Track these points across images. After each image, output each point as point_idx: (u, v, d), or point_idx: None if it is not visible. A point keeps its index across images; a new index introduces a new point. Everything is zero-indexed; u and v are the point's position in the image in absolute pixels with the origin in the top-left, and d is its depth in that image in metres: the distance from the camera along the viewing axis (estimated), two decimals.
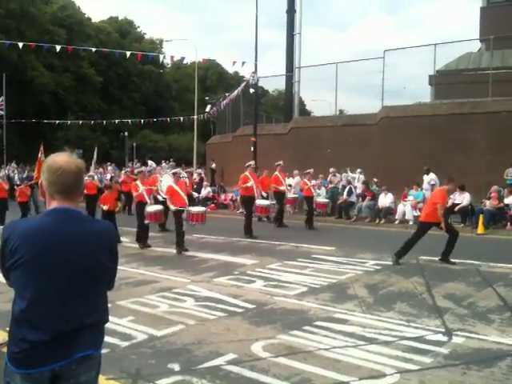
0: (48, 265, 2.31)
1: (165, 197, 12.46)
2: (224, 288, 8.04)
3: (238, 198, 18.15)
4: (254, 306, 6.93)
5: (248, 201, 14.29)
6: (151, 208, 12.31)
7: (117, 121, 36.05)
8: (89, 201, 16.25)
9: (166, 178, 14.29)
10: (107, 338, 4.85)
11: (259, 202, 14.39)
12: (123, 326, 6.04)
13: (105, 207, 12.76)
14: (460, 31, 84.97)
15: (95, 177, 22.28)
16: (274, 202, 15.42)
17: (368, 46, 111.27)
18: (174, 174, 12.25)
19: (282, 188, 15.36)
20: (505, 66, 23.19)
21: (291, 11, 27.22)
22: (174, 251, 11.42)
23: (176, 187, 11.57)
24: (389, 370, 4.71)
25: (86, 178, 18.39)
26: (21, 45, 22.44)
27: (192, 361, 4.98)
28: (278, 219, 15.85)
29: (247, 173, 14.30)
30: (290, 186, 17.99)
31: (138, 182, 12.60)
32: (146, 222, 12.20)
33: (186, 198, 11.67)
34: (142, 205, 12.34)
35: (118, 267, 2.68)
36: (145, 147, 50.88)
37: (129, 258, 10.42)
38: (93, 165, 23.78)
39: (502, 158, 16.59)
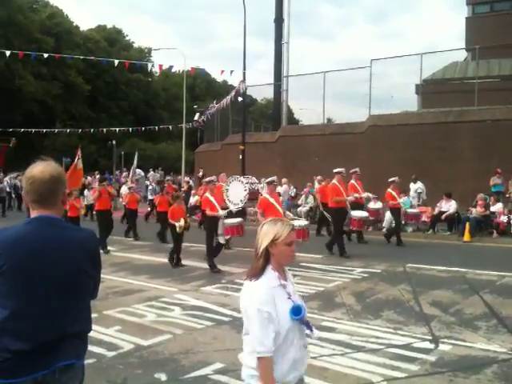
0: (29, 274, 2.30)
1: (237, 206, 11.64)
2: (212, 297, 8.02)
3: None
4: (241, 315, 6.88)
5: (340, 213, 11.97)
6: (230, 221, 10.86)
7: (105, 129, 35.95)
8: (130, 215, 15.75)
9: (233, 186, 12.20)
10: (94, 348, 4.84)
11: (355, 213, 12.42)
12: (110, 335, 6.00)
13: (179, 224, 10.65)
14: (446, 41, 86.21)
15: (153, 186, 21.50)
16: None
17: (355, 55, 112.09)
18: (268, 183, 10.54)
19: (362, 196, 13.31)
20: (490, 75, 23.52)
21: (279, 20, 27.35)
22: (165, 260, 11.37)
23: (271, 199, 10.06)
24: (376, 378, 4.72)
25: (127, 190, 17.71)
26: (8, 53, 22.31)
27: (179, 370, 4.96)
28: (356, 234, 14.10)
29: (335, 181, 12.12)
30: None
31: (208, 195, 10.78)
32: (227, 237, 10.89)
33: (281, 211, 10.07)
34: (212, 219, 10.59)
35: (106, 276, 2.68)
36: (133, 156, 50.70)
37: (116, 267, 10.36)
38: (131, 174, 20.70)
39: (487, 166, 16.75)
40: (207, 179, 11.52)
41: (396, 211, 13.77)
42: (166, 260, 11.45)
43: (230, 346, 5.68)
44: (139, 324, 6.55)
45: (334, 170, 12.32)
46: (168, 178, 20.45)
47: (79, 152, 15.70)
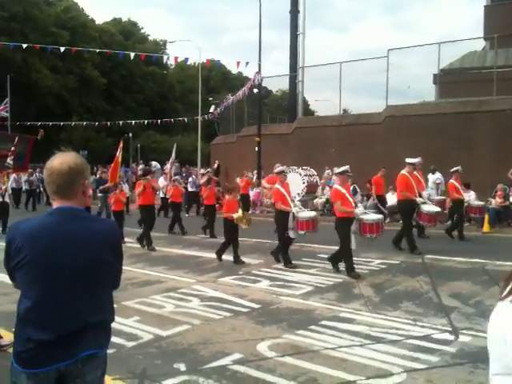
0: (51, 264, 2.31)
1: (295, 200, 10.82)
2: (229, 288, 8.03)
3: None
4: (259, 306, 6.92)
5: (410, 206, 11.06)
6: (304, 214, 10.02)
7: (121, 122, 36.12)
8: (174, 209, 15.17)
9: (290, 177, 11.48)
10: (113, 338, 4.84)
11: (427, 208, 11.13)
12: (129, 326, 6.05)
13: (237, 216, 9.94)
14: (464, 30, 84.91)
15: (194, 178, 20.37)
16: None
17: (371, 45, 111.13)
18: (340, 173, 9.43)
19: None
20: (509, 65, 23.07)
21: (294, 12, 27.20)
22: (179, 251, 11.43)
23: (343, 190, 9.15)
24: (396, 369, 4.68)
25: (164, 182, 17.69)
26: (24, 46, 22.47)
27: (198, 361, 4.97)
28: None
29: (406, 172, 11.18)
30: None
31: (279, 187, 9.94)
32: (301, 232, 9.82)
33: (353, 203, 9.26)
34: (285, 214, 9.77)
35: (124, 267, 2.68)
36: (149, 148, 50.96)
37: (134, 259, 10.43)
38: (169, 165, 19.38)
39: (506, 156, 16.50)
40: (278, 169, 10.34)
41: (460, 204, 12.76)
42: (183, 251, 11.53)
43: (249, 336, 5.69)
44: (158, 315, 6.59)
45: (408, 160, 11.39)
46: (208, 169, 19.61)
47: (121, 145, 15.38)
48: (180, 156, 43.74)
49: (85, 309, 2.36)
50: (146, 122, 36.50)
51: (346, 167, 9.33)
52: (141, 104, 60.20)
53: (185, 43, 73.18)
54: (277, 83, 64.86)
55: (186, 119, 36.41)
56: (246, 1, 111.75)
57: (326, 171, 19.71)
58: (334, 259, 9.19)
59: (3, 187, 15.27)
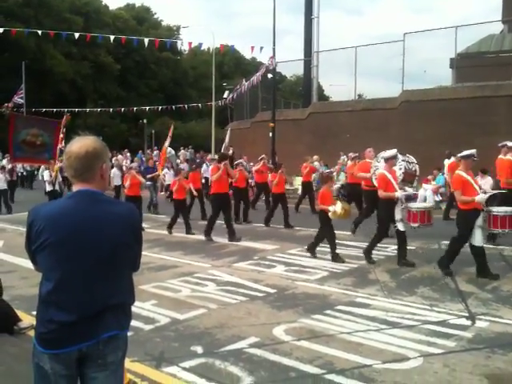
0: (73, 247, 2.34)
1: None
2: (245, 273, 8.07)
3: None
4: (275, 291, 6.94)
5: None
6: (417, 204, 9.11)
7: (135, 108, 36.19)
8: (240, 196, 13.86)
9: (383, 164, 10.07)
10: (131, 322, 4.92)
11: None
12: (147, 309, 6.12)
13: (335, 209, 8.77)
14: (481, 13, 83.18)
15: (244, 164, 17.29)
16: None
17: (386, 29, 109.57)
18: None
19: None
20: None
21: None
22: (195, 237, 11.49)
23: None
24: (412, 354, 4.69)
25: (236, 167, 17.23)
26: (40, 33, 22.53)
27: (215, 344, 5.02)
28: None
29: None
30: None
31: (386, 172, 8.63)
32: (414, 224, 8.77)
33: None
34: (389, 203, 8.53)
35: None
36: (163, 134, 51.03)
37: (150, 244, 10.50)
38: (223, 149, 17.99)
39: None
40: (389, 153, 8.91)
41: None
42: (200, 236, 11.53)
43: (265, 320, 5.73)
44: (174, 299, 6.65)
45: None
46: (263, 156, 16.98)
47: (171, 131, 15.38)
48: (193, 142, 43.83)
49: (106, 290, 2.40)
50: (159, 108, 36.52)
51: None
52: (155, 90, 60.22)
53: (198, 28, 72.75)
54: (291, 68, 64.47)
55: (199, 105, 36.36)
56: None
57: (342, 157, 19.61)
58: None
59: (53, 174, 15.23)
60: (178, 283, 7.43)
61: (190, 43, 28.02)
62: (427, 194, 15.84)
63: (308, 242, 10.45)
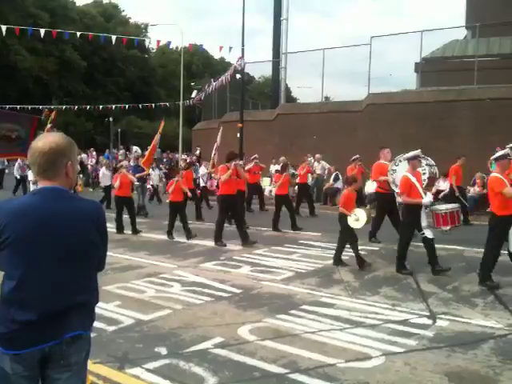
0: (37, 244, 2.30)
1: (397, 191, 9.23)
2: (211, 273, 8.05)
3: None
4: (240, 291, 6.95)
5: None
6: (444, 206, 8.53)
7: (101, 106, 35.65)
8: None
9: (403, 166, 9.58)
10: (94, 323, 4.86)
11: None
12: (110, 310, 6.04)
13: (357, 218, 8.30)
14: (446, 19, 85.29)
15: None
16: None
17: (354, 32, 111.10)
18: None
19: None
20: (490, 54, 23.33)
21: None
22: (160, 237, 11.40)
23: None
24: (375, 353, 4.77)
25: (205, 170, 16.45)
26: (4, 29, 21.96)
27: (179, 344, 5.00)
28: None
29: None
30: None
31: (409, 175, 7.99)
32: (445, 228, 8.29)
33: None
34: (414, 208, 7.92)
35: None
36: (130, 133, 50.52)
37: (115, 244, 10.36)
38: (213, 151, 16.89)
39: (486, 145, 16.68)
40: (411, 154, 8.28)
41: None
42: (165, 237, 11.45)
43: (230, 320, 5.73)
44: (139, 299, 6.59)
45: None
46: (255, 155, 16.56)
47: (161, 127, 14.90)
48: (161, 141, 43.50)
49: (70, 288, 2.36)
50: (126, 106, 36.09)
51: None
52: (122, 88, 59.53)
53: (167, 26, 72.13)
54: (260, 69, 64.75)
55: (167, 104, 36.07)
56: None
57: (309, 159, 19.75)
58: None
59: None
60: (143, 284, 7.36)
61: (159, 41, 27.69)
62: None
63: (275, 242, 10.53)
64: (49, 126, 14.14)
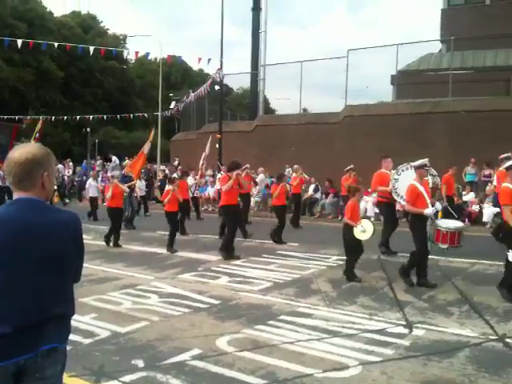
0: (13, 254, 2.27)
1: (403, 203, 8.91)
2: (189, 284, 8.01)
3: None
4: (219, 302, 6.93)
5: None
6: (448, 224, 8.21)
7: (78, 117, 35.39)
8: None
9: (406, 176, 9.62)
10: (69, 336, 4.80)
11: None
12: (86, 323, 5.96)
13: (363, 229, 8.01)
14: (422, 32, 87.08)
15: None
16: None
17: (332, 45, 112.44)
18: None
19: None
20: (464, 67, 23.86)
21: (257, 9, 27.31)
22: (138, 248, 11.31)
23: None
24: (352, 362, 4.79)
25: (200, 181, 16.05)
26: None
27: (157, 357, 4.95)
28: None
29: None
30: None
31: (417, 183, 7.77)
32: (442, 245, 8.13)
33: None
34: (421, 219, 7.76)
35: None
36: (107, 144, 50.17)
37: (91, 255, 10.24)
38: (201, 161, 16.83)
39: (461, 156, 17.03)
40: (418, 162, 7.99)
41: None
42: (142, 248, 11.39)
43: (208, 332, 5.70)
44: (115, 311, 6.52)
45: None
46: (247, 165, 15.51)
47: (151, 136, 14.73)
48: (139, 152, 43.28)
49: (46, 300, 2.34)
50: (104, 116, 35.88)
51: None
52: (99, 99, 59.11)
53: (146, 38, 72.11)
54: (238, 81, 65.02)
55: (145, 115, 35.98)
56: None
57: (287, 169, 19.87)
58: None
59: None
60: (120, 296, 7.29)
61: (137, 52, 27.80)
62: (368, 206, 16.28)
63: (253, 252, 10.53)
64: (37, 135, 13.98)
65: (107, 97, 60.04)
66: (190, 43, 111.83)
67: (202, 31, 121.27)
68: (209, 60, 24.71)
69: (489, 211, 14.03)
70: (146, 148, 14.49)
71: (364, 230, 7.93)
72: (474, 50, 25.25)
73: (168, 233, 11.20)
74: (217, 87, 24.37)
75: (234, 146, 23.12)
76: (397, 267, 8.25)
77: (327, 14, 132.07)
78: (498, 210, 14.18)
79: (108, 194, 11.91)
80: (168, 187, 11.65)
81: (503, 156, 11.32)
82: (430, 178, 9.90)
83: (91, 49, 24.97)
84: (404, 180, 9.46)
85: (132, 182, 14.25)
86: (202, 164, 16.41)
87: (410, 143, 18.47)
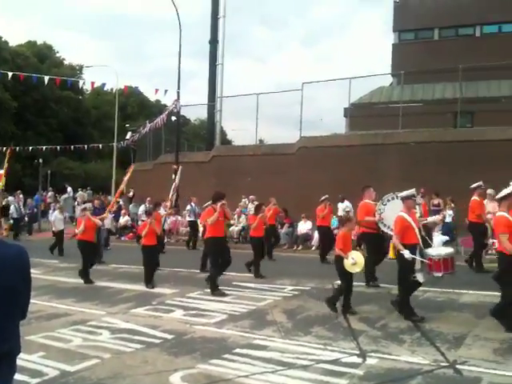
0: None
1: (390, 233, 8.91)
2: (142, 319, 7.85)
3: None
4: (172, 336, 6.81)
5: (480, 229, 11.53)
6: (439, 251, 7.87)
7: (31, 148, 34.59)
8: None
9: (391, 206, 9.66)
10: (16, 376, 4.61)
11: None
12: (33, 362, 5.74)
13: (353, 262, 7.74)
14: (374, 66, 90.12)
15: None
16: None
17: (287, 78, 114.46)
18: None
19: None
20: (414, 100, 24.80)
21: (214, 42, 27.69)
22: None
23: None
24: None
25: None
26: None
27: None
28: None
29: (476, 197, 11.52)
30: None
31: (404, 214, 7.62)
32: (437, 274, 7.60)
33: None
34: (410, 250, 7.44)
35: None
36: (60, 175, 49.09)
37: (39, 291, 9.91)
38: (171, 192, 16.27)
39: (412, 185, 17.37)
40: (405, 193, 7.91)
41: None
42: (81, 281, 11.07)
43: (161, 368, 5.58)
44: (65, 349, 6.30)
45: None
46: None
47: (129, 172, 14.85)
48: (93, 183, 42.57)
49: None
50: (58, 147, 35.21)
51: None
52: (54, 129, 58.04)
53: (102, 68, 71.67)
54: (195, 112, 65.43)
55: (100, 145, 35.52)
56: (167, 28, 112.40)
57: (243, 200, 19.94)
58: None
59: None
60: (69, 332, 7.06)
61: (93, 83, 27.56)
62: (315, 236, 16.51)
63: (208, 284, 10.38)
64: (6, 165, 13.59)
65: (62, 127, 59.03)
66: (147, 75, 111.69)
67: (159, 63, 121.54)
68: (166, 91, 24.79)
69: (438, 239, 14.38)
70: (123, 186, 14.64)
71: (355, 263, 7.68)
72: (424, 84, 26.31)
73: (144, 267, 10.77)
74: (173, 118, 24.39)
75: (190, 176, 23.03)
76: (352, 296, 8.28)
77: (282, 49, 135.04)
78: (447, 238, 14.66)
79: (80, 228, 11.35)
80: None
81: (476, 185, 11.70)
82: (417, 208, 9.97)
83: (46, 78, 24.66)
84: (390, 210, 9.42)
85: (103, 215, 13.63)
86: (172, 195, 16.13)
87: (363, 174, 18.87)
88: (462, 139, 18.49)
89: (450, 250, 8.10)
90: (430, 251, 7.66)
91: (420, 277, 7.44)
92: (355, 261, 7.66)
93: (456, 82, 21.29)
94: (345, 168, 19.27)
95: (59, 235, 16.41)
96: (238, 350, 6.13)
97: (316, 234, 16.64)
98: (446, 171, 17.48)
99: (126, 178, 15.09)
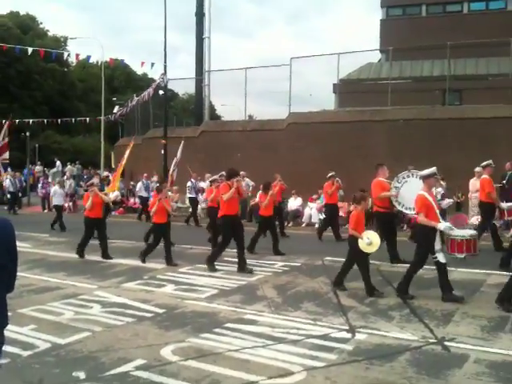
0: None
1: (411, 213, 8.92)
2: (133, 293, 7.89)
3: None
4: (164, 311, 6.86)
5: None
6: (460, 232, 7.69)
7: (17, 120, 34.12)
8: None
9: (407, 185, 9.60)
10: (7, 348, 4.63)
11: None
12: (24, 334, 5.77)
13: (369, 242, 7.59)
14: (363, 42, 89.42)
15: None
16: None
17: (274, 54, 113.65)
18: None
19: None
20: (402, 77, 24.74)
21: (200, 14, 27.27)
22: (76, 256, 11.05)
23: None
24: (296, 368, 4.84)
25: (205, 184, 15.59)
26: None
27: (99, 368, 4.85)
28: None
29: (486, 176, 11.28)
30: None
31: (426, 194, 7.40)
32: (459, 255, 7.52)
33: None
34: (429, 230, 7.32)
35: (19, 273, 2.57)
36: (48, 149, 48.56)
37: (30, 264, 9.92)
38: (172, 168, 15.85)
39: (400, 163, 17.48)
40: (428, 171, 7.57)
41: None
42: (85, 256, 11.09)
43: (152, 341, 5.63)
44: (56, 322, 6.33)
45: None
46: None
47: (129, 149, 14.45)
48: (82, 157, 42.18)
49: None
50: (44, 120, 34.74)
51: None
52: (39, 102, 57.14)
53: (87, 40, 70.36)
54: (183, 86, 64.66)
55: (87, 119, 35.10)
56: (152, 0, 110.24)
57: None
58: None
59: None
60: (61, 306, 7.08)
61: (78, 55, 27.03)
62: (312, 212, 16.54)
63: (199, 260, 10.45)
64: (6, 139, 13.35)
65: (47, 100, 58.12)
66: (133, 48, 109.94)
67: (145, 37, 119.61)
68: (152, 64, 24.49)
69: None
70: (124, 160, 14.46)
71: (370, 243, 7.50)
72: (412, 60, 26.24)
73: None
74: (161, 92, 24.12)
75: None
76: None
77: (269, 25, 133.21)
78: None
79: (88, 204, 10.99)
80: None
81: (485, 163, 11.46)
82: (440, 189, 9.72)
83: (29, 50, 24.20)
84: (407, 189, 9.41)
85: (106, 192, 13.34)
86: (173, 170, 15.82)
87: (351, 150, 18.94)
88: (450, 116, 18.55)
89: (473, 231, 7.99)
90: (453, 232, 7.48)
91: (441, 257, 7.30)
92: (370, 240, 7.51)
93: (444, 60, 21.26)
94: (334, 144, 19.29)
95: (59, 210, 16.16)
96: (228, 325, 6.20)
97: (307, 211, 16.71)
98: (435, 149, 17.57)
99: (125, 155, 14.83)
